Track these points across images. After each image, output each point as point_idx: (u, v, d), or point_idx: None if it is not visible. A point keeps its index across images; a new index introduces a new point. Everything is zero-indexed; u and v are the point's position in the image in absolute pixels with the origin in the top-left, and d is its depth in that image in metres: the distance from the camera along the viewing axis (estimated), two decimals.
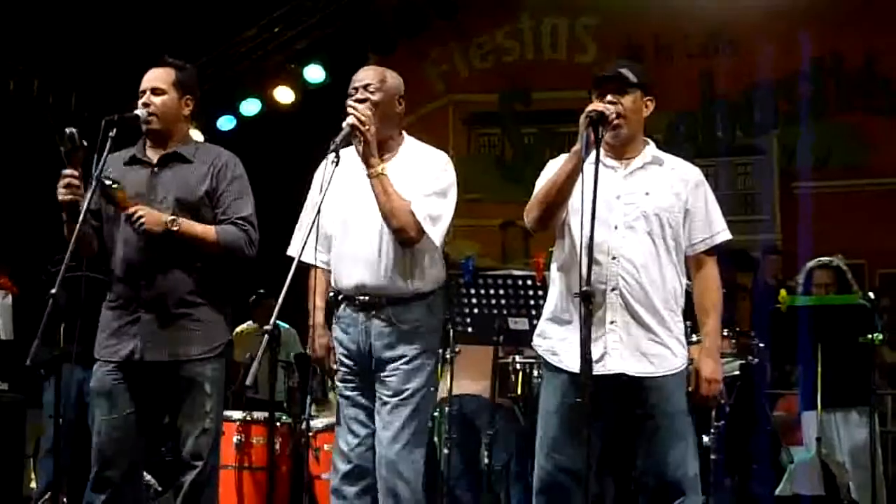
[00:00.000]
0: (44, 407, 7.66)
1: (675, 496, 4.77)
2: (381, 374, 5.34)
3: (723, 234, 5.03)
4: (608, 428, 4.73)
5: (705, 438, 7.05)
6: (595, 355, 4.57)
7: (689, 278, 5.09)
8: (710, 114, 12.83)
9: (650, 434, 4.80)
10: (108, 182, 5.24)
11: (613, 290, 4.79)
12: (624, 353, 4.79)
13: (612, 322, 4.80)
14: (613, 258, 4.80)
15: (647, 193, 4.88)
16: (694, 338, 7.10)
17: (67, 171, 5.22)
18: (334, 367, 5.50)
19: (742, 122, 12.79)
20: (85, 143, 5.16)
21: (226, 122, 12.82)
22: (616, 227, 4.82)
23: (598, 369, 4.54)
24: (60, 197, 5.23)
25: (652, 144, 5.04)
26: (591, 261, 4.42)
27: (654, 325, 4.84)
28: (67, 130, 5.16)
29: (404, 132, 5.55)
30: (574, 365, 4.76)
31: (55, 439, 7.43)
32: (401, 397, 5.30)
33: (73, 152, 5.19)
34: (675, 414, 4.81)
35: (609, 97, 4.84)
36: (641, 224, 4.85)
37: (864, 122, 12.33)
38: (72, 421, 7.11)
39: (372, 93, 5.34)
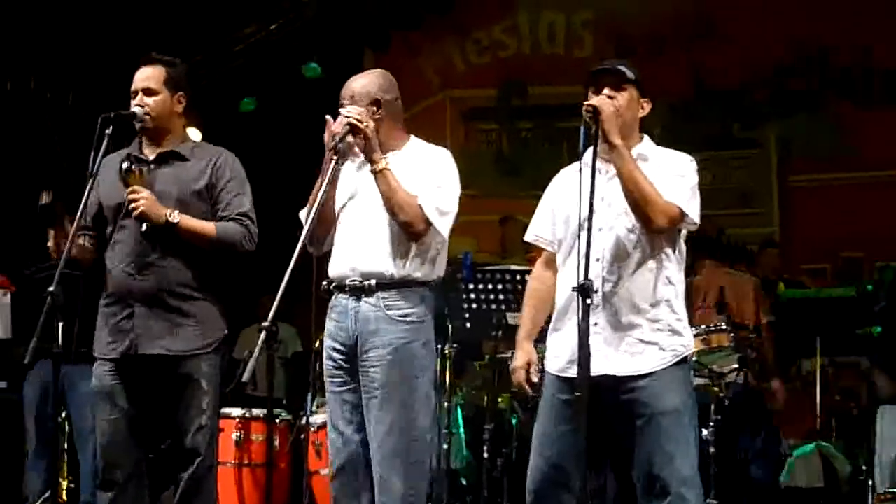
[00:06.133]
0: (24, 405, 7.66)
1: (662, 495, 4.73)
2: (367, 364, 5.25)
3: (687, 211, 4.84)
4: (601, 426, 4.71)
5: (704, 432, 7.06)
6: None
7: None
8: (705, 107, 12.83)
9: (640, 432, 4.77)
10: (130, 164, 5.37)
11: (596, 291, 4.76)
12: (609, 353, 4.76)
13: (595, 324, 4.75)
14: (597, 260, 4.76)
15: None
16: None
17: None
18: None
19: (737, 115, 12.79)
20: (52, 205, 5.35)
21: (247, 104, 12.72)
22: (600, 230, 4.79)
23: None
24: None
25: (645, 141, 5.00)
26: (589, 256, 4.44)
27: (639, 322, 4.81)
28: (42, 199, 5.33)
29: (411, 135, 5.52)
30: (553, 367, 4.94)
31: (40, 437, 7.46)
32: (387, 389, 5.20)
33: (44, 219, 5.37)
34: (665, 412, 4.75)
35: (606, 91, 4.83)
36: (623, 222, 4.82)
37: (857, 114, 12.29)
38: (52, 416, 7.16)
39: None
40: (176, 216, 5.33)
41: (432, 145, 5.52)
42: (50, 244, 5.44)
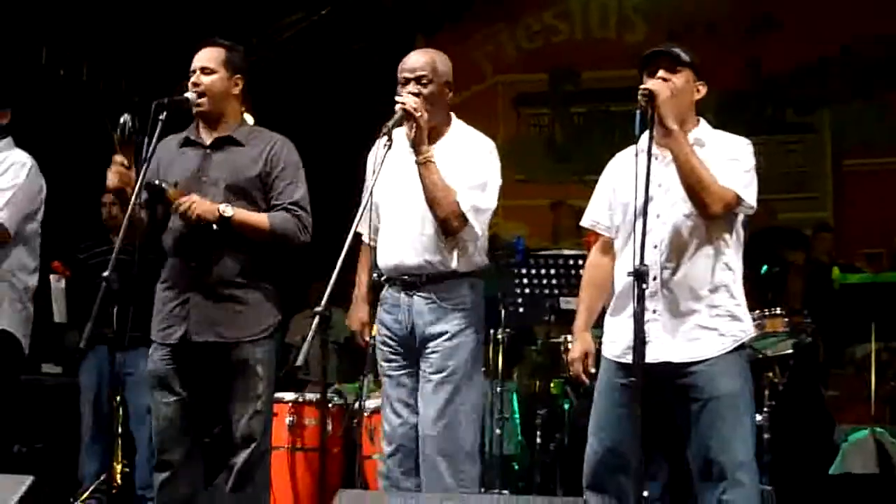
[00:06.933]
0: (81, 390, 7.74)
1: (718, 479, 4.71)
2: (425, 352, 5.34)
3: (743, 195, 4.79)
4: (656, 411, 4.69)
5: (758, 417, 7.03)
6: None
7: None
8: (759, 92, 12.76)
9: (696, 417, 4.76)
10: (157, 182, 5.31)
11: (654, 278, 4.75)
12: (667, 340, 4.76)
13: (654, 311, 4.76)
14: (654, 247, 4.76)
15: None
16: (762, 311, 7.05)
17: (117, 158, 5.32)
18: (368, 340, 5.51)
19: (792, 100, 12.71)
20: (136, 129, 5.22)
21: None
22: (658, 216, 4.77)
23: None
24: (109, 183, 5.34)
25: (702, 125, 4.96)
26: (644, 242, 4.42)
27: (698, 307, 4.79)
28: (121, 118, 5.24)
29: (453, 115, 5.54)
30: (610, 352, 4.94)
31: (96, 421, 7.53)
32: (443, 374, 5.29)
33: (124, 140, 5.27)
34: (721, 397, 4.73)
35: (661, 73, 4.80)
36: (680, 208, 4.79)
37: None
38: (108, 401, 7.23)
39: (424, 85, 5.33)
40: (229, 210, 5.33)
41: (476, 133, 5.53)
42: (125, 165, 5.31)
